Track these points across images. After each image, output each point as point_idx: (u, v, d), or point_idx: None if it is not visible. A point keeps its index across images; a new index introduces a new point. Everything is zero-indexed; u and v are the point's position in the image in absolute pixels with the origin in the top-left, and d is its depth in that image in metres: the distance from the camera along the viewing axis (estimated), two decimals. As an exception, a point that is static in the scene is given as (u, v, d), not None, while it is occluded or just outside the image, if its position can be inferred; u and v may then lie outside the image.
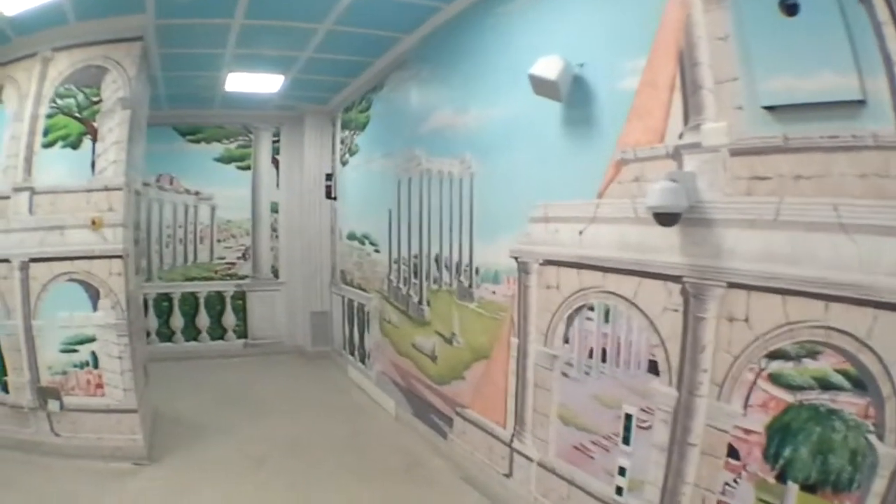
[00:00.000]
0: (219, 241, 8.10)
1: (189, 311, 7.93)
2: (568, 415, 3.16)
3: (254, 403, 5.96)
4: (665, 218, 2.34)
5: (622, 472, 2.78)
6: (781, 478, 2.06)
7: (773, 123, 2.06)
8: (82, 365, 4.32)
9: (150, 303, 7.72)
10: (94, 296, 4.29)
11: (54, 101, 4.37)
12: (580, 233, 2.99)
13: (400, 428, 5.25)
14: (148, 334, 7.59)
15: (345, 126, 7.27)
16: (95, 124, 4.35)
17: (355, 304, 6.78)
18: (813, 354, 1.96)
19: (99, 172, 4.30)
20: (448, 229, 4.43)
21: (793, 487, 2.02)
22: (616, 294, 2.79)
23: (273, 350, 8.08)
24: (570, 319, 3.12)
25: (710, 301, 2.29)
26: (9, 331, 4.31)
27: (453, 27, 4.32)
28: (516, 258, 3.52)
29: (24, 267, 4.27)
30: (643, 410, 2.67)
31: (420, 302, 4.98)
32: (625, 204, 2.71)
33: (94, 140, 4.34)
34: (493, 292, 3.85)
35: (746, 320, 2.16)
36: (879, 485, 1.79)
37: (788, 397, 2.03)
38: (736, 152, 2.20)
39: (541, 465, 3.37)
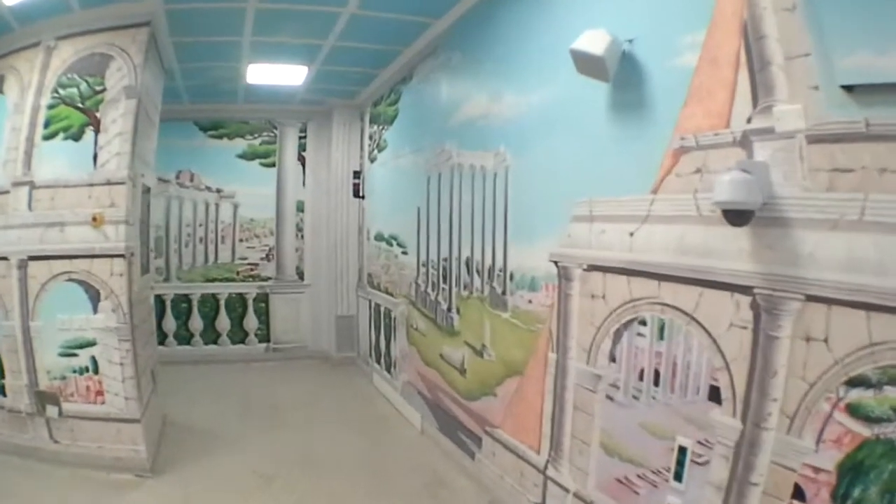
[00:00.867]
0: (241, 240, 8.13)
1: (209, 314, 7.96)
2: (611, 443, 2.94)
3: (271, 412, 5.92)
4: (736, 216, 2.11)
5: (673, 512, 2.57)
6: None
7: (853, 106, 1.84)
8: (82, 370, 4.25)
9: (168, 304, 7.78)
10: (94, 297, 4.20)
11: (56, 91, 4.31)
12: (631, 234, 2.74)
13: (424, 443, 5.14)
14: (165, 336, 7.67)
15: (373, 121, 7.27)
16: (98, 114, 4.27)
17: (382, 308, 6.74)
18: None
19: (101, 165, 4.22)
20: (480, 229, 4.30)
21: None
22: (673, 306, 2.54)
23: (296, 355, 8.10)
24: (618, 335, 2.88)
25: (785, 317, 2.05)
26: (6, 332, 4.28)
27: (486, 8, 4.19)
28: (556, 263, 3.32)
29: (23, 265, 4.21)
30: (700, 443, 2.43)
31: (449, 309, 4.87)
32: (685, 200, 2.46)
33: (97, 131, 4.26)
34: (530, 301, 3.66)
35: (826, 340, 1.92)
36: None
37: (865, 431, 1.83)
38: (814, 139, 1.96)
39: (578, 496, 3.17)
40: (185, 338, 7.85)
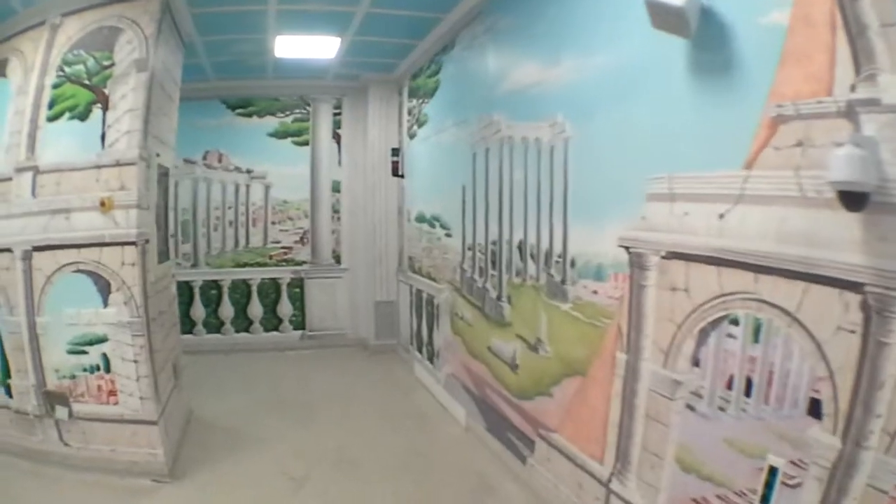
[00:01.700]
0: (273, 223, 8.05)
1: (240, 300, 7.92)
2: (689, 459, 2.68)
3: (305, 405, 5.82)
4: (853, 199, 1.83)
5: (757, 538, 2.34)
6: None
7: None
8: (92, 368, 4.12)
9: (197, 291, 7.76)
10: (104, 289, 4.05)
11: (61, 69, 4.16)
12: (721, 216, 2.44)
13: (470, 443, 4.96)
14: (193, 325, 7.67)
15: (412, 94, 7.10)
16: (107, 91, 4.10)
17: (424, 294, 6.60)
18: None
19: (109, 145, 4.05)
20: (535, 210, 4.06)
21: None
22: (771, 304, 2.24)
23: (333, 343, 8.05)
24: (704, 335, 2.60)
25: (898, 321, 1.80)
26: (11, 328, 4.17)
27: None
28: (627, 248, 3.04)
29: (27, 256, 4.09)
30: (793, 463, 2.17)
31: (499, 298, 4.66)
32: (785, 178, 2.15)
33: (105, 109, 4.09)
34: (595, 292, 3.41)
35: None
36: None
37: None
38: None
39: (647, 515, 2.95)
40: (214, 326, 7.83)
